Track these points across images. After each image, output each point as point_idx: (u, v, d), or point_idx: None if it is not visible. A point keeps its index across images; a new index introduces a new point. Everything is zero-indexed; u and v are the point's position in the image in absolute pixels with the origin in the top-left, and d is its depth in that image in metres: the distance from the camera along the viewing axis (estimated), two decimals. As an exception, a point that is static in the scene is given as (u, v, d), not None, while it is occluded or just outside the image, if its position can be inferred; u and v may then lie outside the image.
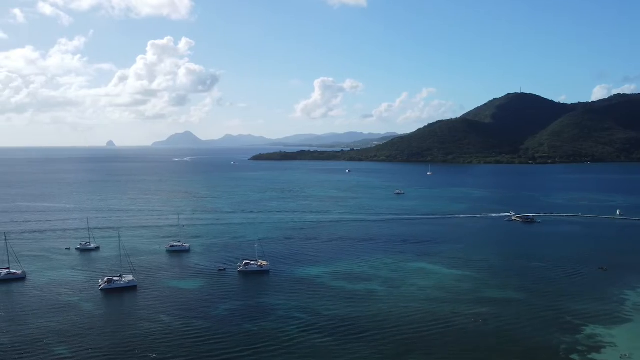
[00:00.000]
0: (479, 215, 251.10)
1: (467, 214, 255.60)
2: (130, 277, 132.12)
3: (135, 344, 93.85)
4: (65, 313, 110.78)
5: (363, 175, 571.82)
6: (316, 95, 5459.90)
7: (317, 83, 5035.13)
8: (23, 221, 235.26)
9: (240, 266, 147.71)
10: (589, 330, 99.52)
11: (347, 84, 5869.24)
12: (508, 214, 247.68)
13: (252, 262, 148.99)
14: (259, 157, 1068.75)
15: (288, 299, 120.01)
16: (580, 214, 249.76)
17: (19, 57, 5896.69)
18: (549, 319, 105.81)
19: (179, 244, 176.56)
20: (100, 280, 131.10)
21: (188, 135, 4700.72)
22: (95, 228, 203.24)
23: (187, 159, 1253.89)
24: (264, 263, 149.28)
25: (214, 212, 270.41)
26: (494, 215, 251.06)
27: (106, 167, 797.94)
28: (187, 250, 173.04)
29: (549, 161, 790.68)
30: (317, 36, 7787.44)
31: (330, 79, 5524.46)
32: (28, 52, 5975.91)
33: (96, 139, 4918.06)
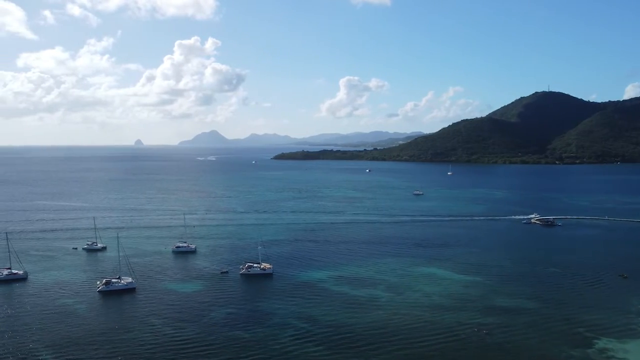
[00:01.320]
0: (498, 218, 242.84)
1: (485, 216, 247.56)
2: (129, 279, 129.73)
3: (119, 351, 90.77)
4: (58, 316, 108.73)
5: (383, 175, 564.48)
6: (341, 94, 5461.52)
7: (342, 82, 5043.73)
8: (36, 220, 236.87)
9: (242, 269, 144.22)
10: (601, 343, 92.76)
11: (373, 83, 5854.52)
12: (528, 216, 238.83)
13: (254, 265, 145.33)
14: (281, 157, 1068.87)
15: (287, 304, 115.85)
16: (606, 217, 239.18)
17: (50, 58, 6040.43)
18: (560, 330, 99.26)
19: (185, 244, 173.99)
20: (98, 282, 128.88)
21: (214, 134, 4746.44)
22: (107, 228, 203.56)
23: (211, 158, 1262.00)
24: (267, 266, 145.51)
25: (227, 212, 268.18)
26: (514, 217, 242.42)
27: (130, 166, 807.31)
28: (193, 252, 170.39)
29: (577, 161, 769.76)
30: (341, 35, 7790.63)
31: (356, 78, 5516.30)
32: (58, 52, 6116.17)
33: (125, 138, 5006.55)
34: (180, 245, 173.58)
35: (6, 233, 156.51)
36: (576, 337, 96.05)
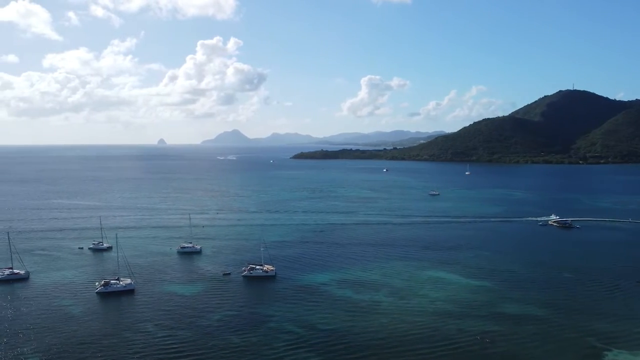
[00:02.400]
0: (514, 219, 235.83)
1: (501, 218, 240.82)
2: (128, 281, 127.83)
3: (108, 356, 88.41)
4: (51, 319, 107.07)
5: (401, 175, 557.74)
6: (362, 93, 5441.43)
7: (363, 81, 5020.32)
8: (48, 218, 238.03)
9: (244, 270, 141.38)
10: (611, 355, 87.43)
11: (394, 82, 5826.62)
12: (545, 217, 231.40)
13: (257, 267, 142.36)
14: (300, 156, 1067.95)
15: (286, 309, 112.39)
16: (629, 220, 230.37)
17: (74, 58, 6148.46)
18: (568, 340, 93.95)
19: (190, 245, 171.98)
20: (97, 283, 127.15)
21: (236, 133, 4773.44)
22: (116, 227, 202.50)
23: (231, 157, 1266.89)
24: (270, 268, 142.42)
25: (239, 211, 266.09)
26: (530, 219, 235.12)
27: (149, 165, 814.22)
28: (199, 252, 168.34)
29: (602, 161, 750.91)
30: (362, 34, 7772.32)
31: (377, 77, 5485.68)
32: (82, 53, 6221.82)
33: (148, 137, 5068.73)
34: (186, 245, 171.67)
35: (8, 233, 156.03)
36: (585, 347, 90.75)
